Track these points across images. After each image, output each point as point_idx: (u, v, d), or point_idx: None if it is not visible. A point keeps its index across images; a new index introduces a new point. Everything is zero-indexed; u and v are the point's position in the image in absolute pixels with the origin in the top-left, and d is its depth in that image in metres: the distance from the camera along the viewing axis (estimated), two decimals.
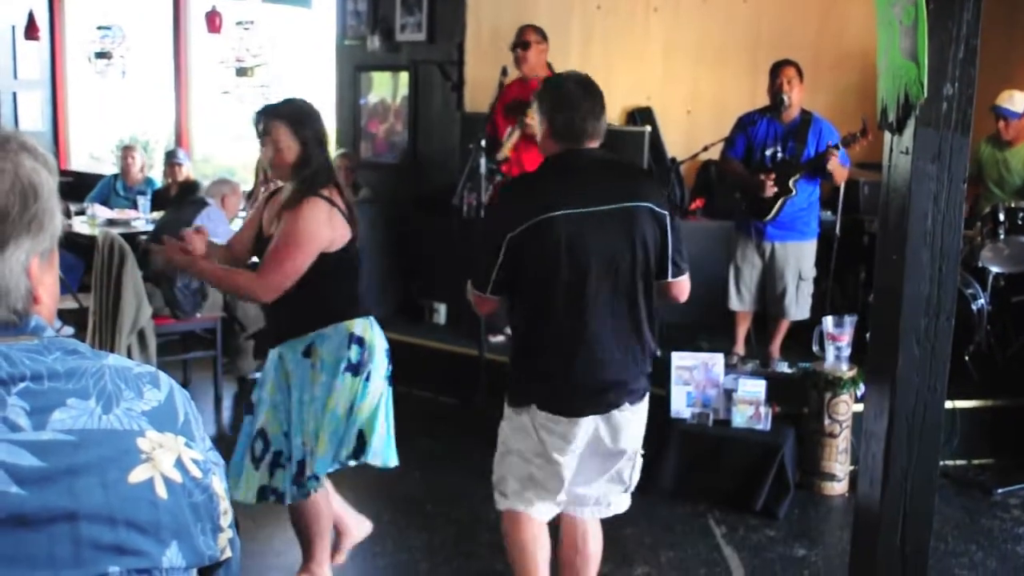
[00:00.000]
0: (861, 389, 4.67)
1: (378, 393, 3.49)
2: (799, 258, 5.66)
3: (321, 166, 3.42)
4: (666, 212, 3.05)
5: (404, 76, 7.26)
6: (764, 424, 4.79)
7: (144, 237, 6.43)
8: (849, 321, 4.91)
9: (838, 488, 4.85)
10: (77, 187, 8.29)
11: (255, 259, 3.68)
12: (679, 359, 4.95)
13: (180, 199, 6.25)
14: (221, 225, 5.80)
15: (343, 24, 7.56)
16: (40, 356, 1.08)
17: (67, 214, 7.04)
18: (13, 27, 9.61)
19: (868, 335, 2.92)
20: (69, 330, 5.73)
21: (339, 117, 7.68)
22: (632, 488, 3.31)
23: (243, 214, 7.09)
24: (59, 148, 10.00)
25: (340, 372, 3.40)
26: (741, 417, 4.80)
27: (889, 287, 2.56)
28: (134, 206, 7.69)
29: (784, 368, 5.66)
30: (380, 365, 3.51)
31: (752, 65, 6.84)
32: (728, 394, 4.87)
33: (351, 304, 3.51)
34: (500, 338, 6.02)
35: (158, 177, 8.16)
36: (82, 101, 10.22)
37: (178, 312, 5.82)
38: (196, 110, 9.42)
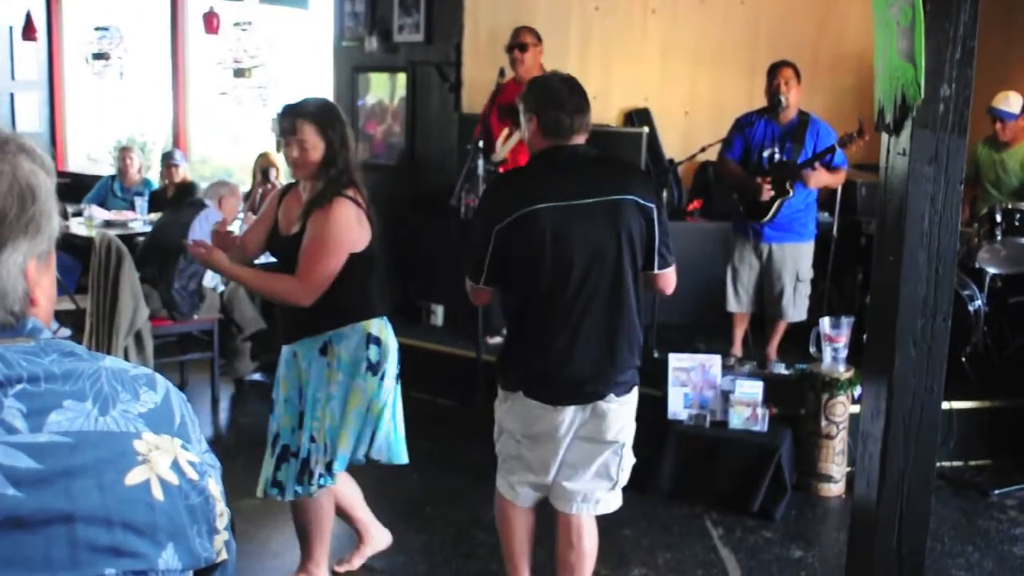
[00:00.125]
0: (858, 390, 4.67)
1: (389, 392, 3.56)
2: (796, 259, 5.66)
3: (345, 165, 3.44)
4: (652, 205, 3.13)
5: (402, 77, 7.26)
6: (761, 425, 4.80)
7: (141, 239, 6.44)
8: (846, 322, 4.92)
9: (835, 489, 4.86)
10: (74, 188, 8.28)
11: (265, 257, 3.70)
12: (676, 360, 4.95)
13: (177, 200, 6.25)
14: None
15: (341, 25, 7.56)
16: (37, 358, 1.08)
17: (64, 215, 7.04)
18: (11, 28, 9.61)
19: (865, 336, 2.92)
20: (66, 332, 5.71)
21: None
22: (621, 485, 3.34)
23: (242, 215, 7.10)
24: (56, 149, 10.00)
25: (361, 372, 3.47)
26: (738, 418, 4.81)
27: (886, 288, 2.56)
28: (131, 207, 7.69)
29: (781, 369, 5.66)
30: (392, 365, 3.58)
31: (750, 66, 6.85)
32: (725, 395, 4.88)
33: (368, 304, 3.54)
34: (498, 339, 6.02)
35: (155, 178, 8.15)
36: (80, 102, 10.22)
37: (175, 314, 5.82)
38: (193, 111, 9.41)
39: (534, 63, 5.86)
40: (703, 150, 5.76)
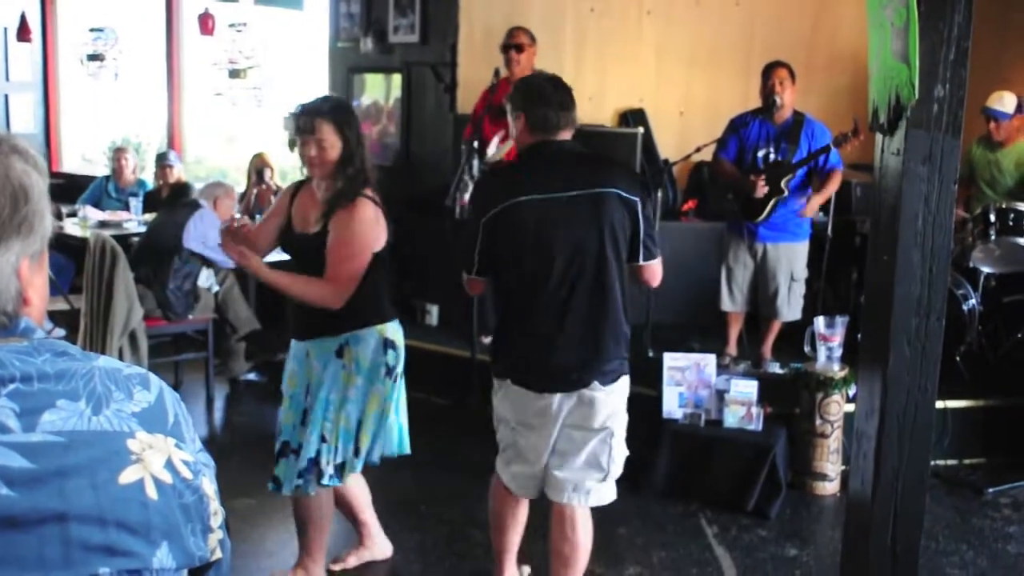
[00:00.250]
0: (852, 389, 4.68)
1: (399, 391, 3.64)
2: (791, 259, 5.67)
3: (362, 164, 3.45)
4: (636, 198, 3.21)
5: (397, 78, 7.26)
6: (756, 424, 4.80)
7: (135, 239, 6.43)
8: (840, 322, 4.93)
9: (829, 488, 4.86)
10: (69, 189, 8.26)
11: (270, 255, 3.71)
12: (671, 360, 4.95)
13: (172, 201, 6.24)
14: (212, 228, 5.78)
15: (336, 26, 7.56)
16: (30, 358, 1.08)
17: (59, 216, 7.02)
18: (5, 29, 9.58)
19: (859, 335, 2.93)
20: (60, 332, 5.71)
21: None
22: (613, 476, 3.38)
23: (237, 216, 7.09)
24: (51, 150, 9.98)
25: (380, 377, 3.52)
26: (733, 417, 4.81)
27: (880, 287, 2.57)
28: (126, 208, 7.67)
29: (776, 369, 5.67)
30: (401, 366, 3.64)
31: (745, 67, 6.85)
32: (720, 395, 4.88)
33: (383, 305, 3.57)
34: (492, 339, 6.02)
35: (150, 179, 8.14)
36: (74, 103, 10.20)
37: (170, 314, 5.81)
38: (188, 112, 9.40)
39: (528, 64, 5.87)
40: (698, 150, 5.77)
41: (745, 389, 4.84)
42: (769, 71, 5.59)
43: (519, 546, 3.69)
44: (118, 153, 8.23)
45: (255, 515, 4.45)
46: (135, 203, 7.60)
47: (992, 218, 5.54)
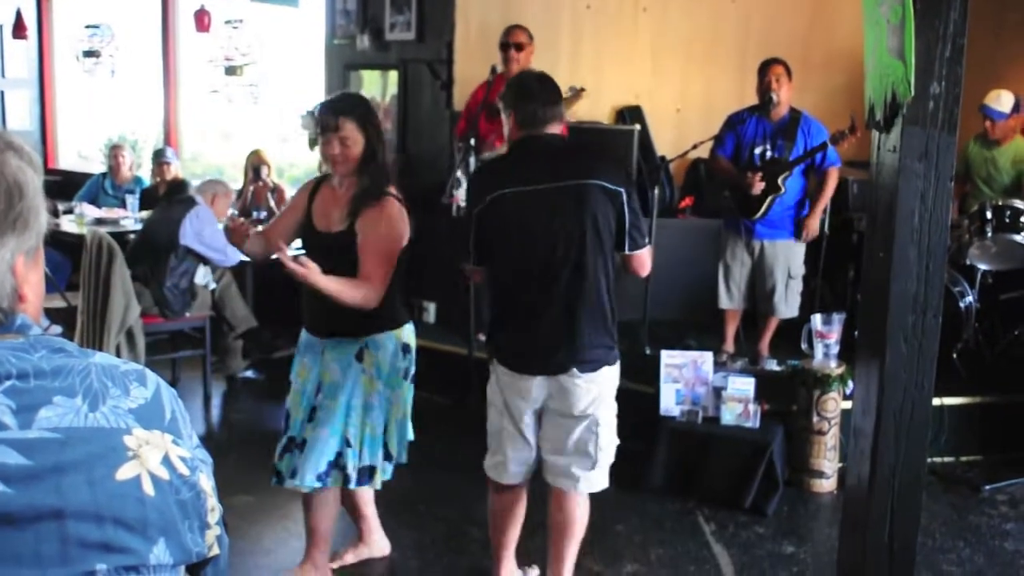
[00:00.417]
0: (849, 386, 4.68)
1: (411, 392, 3.70)
2: (788, 256, 5.68)
3: (383, 160, 3.46)
4: (620, 189, 3.30)
5: (393, 75, 7.25)
6: (753, 422, 4.81)
7: (132, 236, 6.42)
8: (837, 319, 4.93)
9: (827, 485, 4.87)
10: (65, 186, 8.26)
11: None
12: (668, 357, 4.96)
13: (169, 198, 6.23)
14: (208, 225, 5.78)
15: (332, 23, 7.55)
16: (26, 354, 1.08)
17: (54, 213, 7.01)
18: (1, 26, 9.57)
19: (856, 332, 2.93)
20: (57, 329, 5.70)
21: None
22: (603, 464, 3.44)
23: (234, 214, 7.08)
24: (47, 147, 9.96)
25: (399, 381, 3.57)
26: (730, 415, 4.81)
27: (877, 284, 2.57)
28: (123, 205, 7.67)
29: (773, 366, 5.67)
30: (413, 368, 3.69)
31: (741, 64, 6.85)
32: (717, 392, 4.88)
33: (400, 309, 3.59)
34: None
35: (147, 176, 8.13)
36: (70, 100, 10.18)
37: (167, 311, 5.81)
38: (185, 109, 9.39)
39: (527, 62, 5.87)
40: (695, 147, 5.77)
41: (742, 386, 4.84)
42: (765, 68, 5.59)
43: (519, 545, 3.72)
44: (114, 150, 8.23)
45: (253, 512, 4.45)
46: (132, 200, 7.60)
47: (989, 215, 5.54)
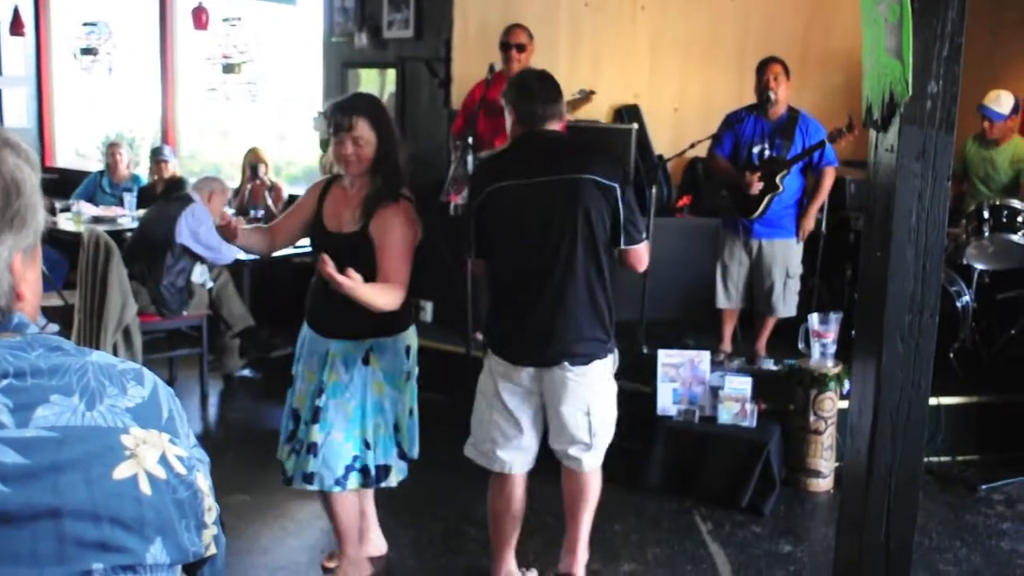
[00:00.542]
0: (846, 386, 4.68)
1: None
2: (786, 255, 5.68)
3: (397, 161, 3.45)
4: (615, 184, 3.36)
5: (391, 73, 7.24)
6: (750, 421, 4.81)
7: (129, 234, 6.41)
8: (835, 318, 4.93)
9: (823, 484, 4.87)
10: (62, 184, 8.25)
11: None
12: (666, 356, 4.96)
13: (166, 196, 6.22)
14: (205, 223, 5.77)
15: (330, 21, 7.55)
16: (23, 353, 1.08)
17: (52, 211, 7.00)
18: None
19: (853, 332, 2.94)
20: (54, 327, 5.70)
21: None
22: (596, 446, 3.54)
23: (231, 213, 7.07)
24: (44, 145, 9.95)
25: (404, 382, 3.60)
26: (727, 414, 4.82)
27: (874, 284, 2.57)
28: (120, 203, 7.66)
29: (770, 365, 5.67)
30: (416, 368, 3.73)
31: (739, 63, 6.85)
32: (714, 391, 4.89)
33: (407, 311, 3.58)
34: None
35: (144, 174, 8.13)
36: (68, 98, 10.17)
37: (164, 310, 5.80)
38: (182, 107, 9.37)
39: (527, 62, 5.87)
40: (692, 146, 5.77)
41: (739, 385, 4.84)
42: (764, 67, 5.59)
43: (519, 546, 3.74)
44: (112, 148, 8.21)
45: (250, 511, 4.45)
46: (129, 198, 7.59)
47: (986, 215, 5.54)
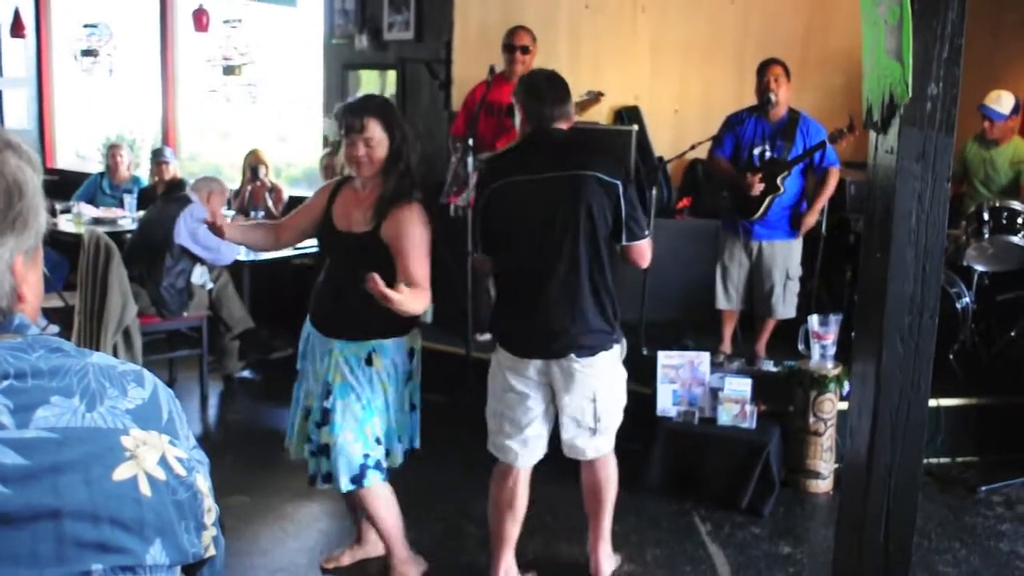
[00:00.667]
0: (846, 387, 4.68)
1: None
2: (786, 257, 5.68)
3: (409, 163, 3.45)
4: (617, 181, 3.43)
5: (392, 75, 7.25)
6: (750, 422, 4.81)
7: (130, 236, 6.41)
8: (834, 320, 4.93)
9: (823, 486, 4.87)
10: (63, 185, 8.25)
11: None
12: (665, 357, 4.96)
13: (165, 197, 6.22)
14: (203, 224, 5.77)
15: (331, 23, 7.55)
16: (24, 354, 1.08)
17: (52, 212, 7.00)
18: None
19: (853, 333, 2.94)
20: (54, 328, 5.70)
21: (326, 116, 7.67)
22: (602, 431, 3.61)
23: (231, 213, 7.08)
24: (45, 146, 9.95)
25: (405, 382, 3.63)
26: (727, 415, 4.82)
27: (873, 285, 2.57)
28: (121, 205, 7.66)
29: (770, 366, 5.67)
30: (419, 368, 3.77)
31: (740, 64, 6.85)
32: (714, 392, 4.89)
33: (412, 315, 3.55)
34: (487, 336, 6.01)
35: (145, 176, 8.13)
36: (68, 99, 10.17)
37: (164, 311, 5.81)
38: (183, 108, 9.38)
39: (531, 64, 5.88)
40: (692, 148, 5.77)
41: (739, 387, 4.84)
42: (764, 68, 5.60)
43: (518, 546, 3.75)
44: (112, 149, 8.22)
45: (249, 512, 4.45)
46: (129, 200, 7.60)
47: (986, 216, 5.54)
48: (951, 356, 5.50)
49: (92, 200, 7.88)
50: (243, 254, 6.24)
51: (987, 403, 5.33)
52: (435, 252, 3.51)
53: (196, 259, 5.89)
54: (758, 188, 5.50)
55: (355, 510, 4.00)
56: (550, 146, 3.53)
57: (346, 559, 4.01)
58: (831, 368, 4.86)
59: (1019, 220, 5.51)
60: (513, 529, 3.70)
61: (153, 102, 9.37)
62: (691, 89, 7.45)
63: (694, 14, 7.34)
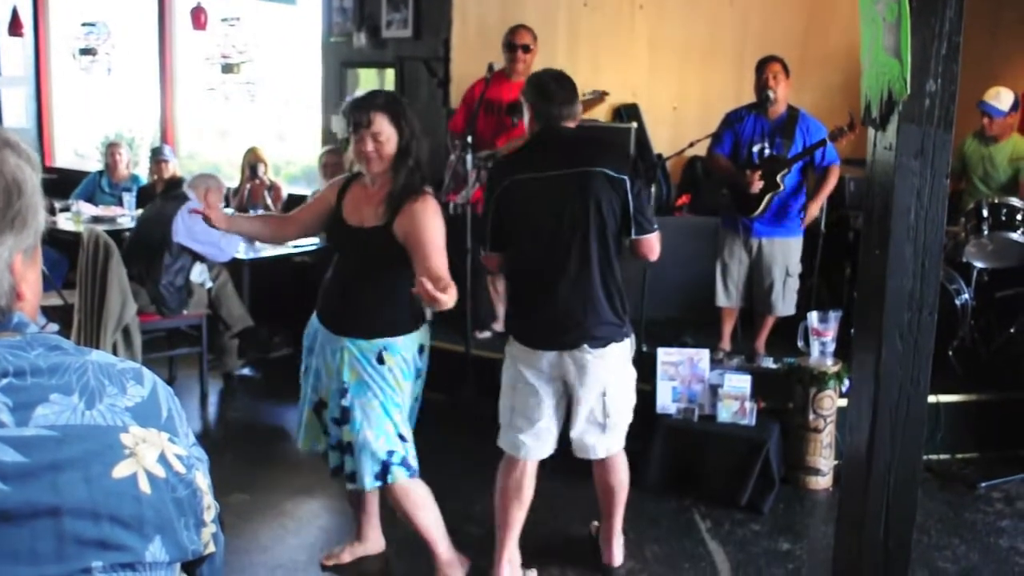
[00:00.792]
0: (846, 384, 4.69)
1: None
2: (786, 254, 5.68)
3: (418, 159, 3.44)
4: (624, 177, 3.51)
5: (390, 73, 7.25)
6: (749, 419, 4.81)
7: (129, 234, 6.41)
8: (834, 316, 4.93)
9: (822, 483, 4.88)
10: (62, 184, 8.25)
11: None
12: (665, 354, 4.96)
13: (164, 195, 6.22)
14: (200, 221, 5.76)
15: (329, 21, 7.55)
16: (23, 352, 1.08)
17: (51, 211, 7.00)
18: None
19: (852, 330, 2.94)
20: (54, 327, 5.70)
21: (325, 114, 7.67)
22: (612, 428, 3.66)
23: (230, 212, 7.08)
24: (44, 145, 9.95)
25: (415, 379, 3.64)
26: (726, 412, 4.82)
27: (872, 282, 2.57)
28: (119, 203, 7.66)
29: (769, 363, 5.67)
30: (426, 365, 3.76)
31: (738, 62, 6.86)
32: (714, 389, 4.89)
33: (419, 310, 3.54)
34: (487, 334, 6.03)
35: (144, 174, 8.13)
36: (67, 98, 10.17)
37: (163, 309, 5.81)
38: (181, 107, 9.37)
39: (532, 63, 5.88)
40: (691, 145, 5.77)
41: (738, 384, 4.85)
42: (763, 66, 5.60)
43: (519, 546, 3.76)
44: (111, 148, 8.22)
45: (249, 510, 4.45)
46: (128, 198, 7.60)
47: (985, 213, 5.54)
48: (950, 352, 5.50)
49: (91, 198, 7.88)
50: (242, 252, 6.24)
51: (986, 399, 5.33)
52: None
53: (196, 257, 5.89)
54: (758, 185, 5.50)
55: (356, 507, 4.00)
56: (558, 144, 3.60)
57: (346, 556, 4.01)
58: (830, 365, 4.86)
59: (1018, 216, 5.52)
60: (519, 515, 3.74)
61: (152, 100, 9.37)
62: (689, 86, 7.45)
63: (692, 12, 7.35)
